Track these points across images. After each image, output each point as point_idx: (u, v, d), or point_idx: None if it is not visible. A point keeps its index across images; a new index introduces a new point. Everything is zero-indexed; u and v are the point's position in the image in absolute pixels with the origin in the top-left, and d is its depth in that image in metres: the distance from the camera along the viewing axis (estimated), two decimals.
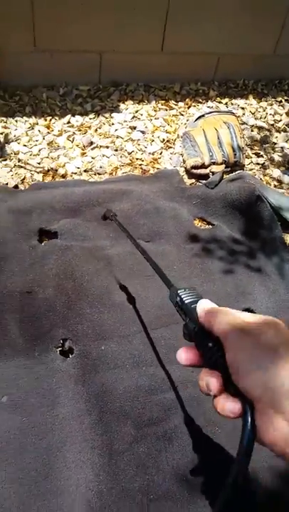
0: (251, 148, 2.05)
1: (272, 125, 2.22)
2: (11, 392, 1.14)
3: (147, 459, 1.07)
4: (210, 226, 1.68)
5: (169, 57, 2.17)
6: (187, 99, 2.22)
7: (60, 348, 1.24)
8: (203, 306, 0.52)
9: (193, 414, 1.16)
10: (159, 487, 1.04)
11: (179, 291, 0.56)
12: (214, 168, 1.84)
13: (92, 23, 1.93)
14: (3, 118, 1.94)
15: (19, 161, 1.81)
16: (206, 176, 1.85)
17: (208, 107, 2.22)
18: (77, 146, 1.91)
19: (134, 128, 2.02)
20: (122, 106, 2.12)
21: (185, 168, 1.88)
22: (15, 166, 1.79)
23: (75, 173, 1.81)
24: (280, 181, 1.94)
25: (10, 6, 1.79)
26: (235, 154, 1.88)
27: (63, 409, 1.10)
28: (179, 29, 2.07)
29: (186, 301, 0.54)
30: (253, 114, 2.26)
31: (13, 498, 0.98)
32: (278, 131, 2.20)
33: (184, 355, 0.52)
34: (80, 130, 1.97)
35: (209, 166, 1.85)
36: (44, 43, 1.95)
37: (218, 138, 1.88)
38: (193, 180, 1.87)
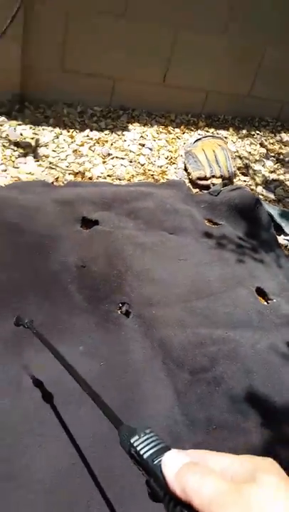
0: (238, 169, 2.39)
1: (250, 153, 2.59)
2: (86, 343, 1.26)
3: (204, 397, 1.25)
4: (217, 226, 1.94)
5: (169, 89, 2.49)
6: (182, 127, 2.53)
7: (119, 311, 1.39)
8: (171, 465, 0.33)
9: (234, 363, 1.36)
10: (217, 419, 1.21)
11: (132, 440, 0.38)
12: (214, 180, 2.14)
13: (111, 52, 2.18)
14: (31, 125, 2.09)
15: (50, 163, 1.96)
16: (207, 187, 2.13)
17: (199, 134, 2.54)
18: (98, 155, 2.10)
19: (143, 145, 2.27)
20: (130, 127, 2.36)
21: (190, 179, 2.15)
22: (47, 167, 1.94)
23: (100, 177, 2.00)
24: (262, 195, 2.27)
25: (47, 31, 1.99)
26: (228, 171, 2.19)
27: (134, 355, 1.25)
28: (179, 66, 2.40)
29: (144, 455, 0.36)
30: (234, 143, 2.61)
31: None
32: (255, 160, 2.57)
33: None
34: (98, 142, 2.17)
35: (210, 178, 2.14)
36: (70, 64, 2.17)
37: (216, 157, 2.19)
38: (197, 190, 2.14)
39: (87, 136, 2.18)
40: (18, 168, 1.87)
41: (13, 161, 1.89)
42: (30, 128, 2.08)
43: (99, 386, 1.11)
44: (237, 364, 1.36)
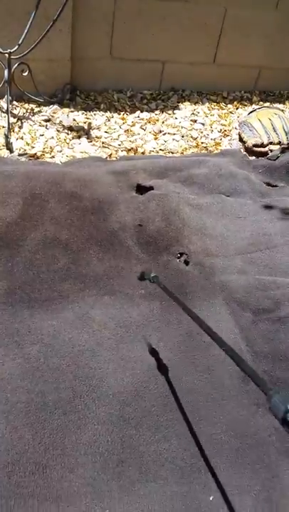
0: None
1: None
2: (147, 287, 1.43)
3: (269, 334, 1.36)
4: (277, 187, 2.06)
5: (219, 68, 2.69)
6: (235, 102, 2.70)
7: (178, 260, 1.55)
8: None
9: None
10: (283, 352, 1.31)
11: None
12: (271, 147, 2.27)
13: (158, 36, 2.44)
14: (83, 111, 2.38)
15: (103, 143, 2.22)
16: (265, 154, 2.26)
17: (253, 108, 2.69)
18: (149, 132, 2.33)
19: (195, 121, 2.47)
20: (181, 106, 2.58)
21: (245, 147, 2.30)
22: (100, 146, 2.19)
23: (152, 151, 2.21)
24: None
25: (95, 20, 2.29)
26: (287, 137, 2.31)
27: (195, 294, 1.40)
28: (230, 45, 2.60)
29: None
30: None
31: None
32: None
33: None
34: (149, 122, 2.41)
35: (267, 145, 2.27)
36: (118, 52, 2.45)
37: (272, 124, 2.33)
38: (254, 157, 2.28)
39: (138, 117, 2.43)
40: (72, 148, 2.14)
41: (68, 143, 2.16)
42: (83, 114, 2.37)
43: (163, 323, 1.29)
44: None
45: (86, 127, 2.28)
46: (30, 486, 0.98)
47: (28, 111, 2.28)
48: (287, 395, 0.44)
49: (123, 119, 2.39)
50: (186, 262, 1.56)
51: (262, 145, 2.27)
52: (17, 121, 2.19)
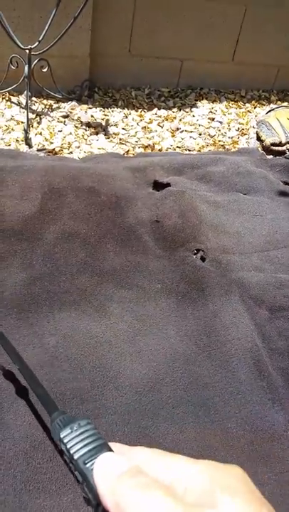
0: None
1: None
2: (163, 282, 1.46)
3: (285, 331, 1.37)
4: None
5: (238, 66, 2.71)
6: (253, 101, 2.72)
7: (194, 256, 1.58)
8: (104, 472, 0.30)
9: None
10: None
11: (62, 435, 0.35)
12: None
13: (178, 34, 2.47)
14: (101, 108, 2.41)
15: (120, 139, 2.25)
16: (282, 153, 2.27)
17: (271, 108, 2.71)
18: (167, 130, 2.36)
19: (213, 119, 2.49)
20: (198, 104, 2.61)
21: (263, 146, 2.32)
22: (117, 143, 2.23)
23: (170, 148, 2.24)
24: None
25: (115, 17, 2.33)
26: None
27: (212, 290, 1.42)
28: (248, 43, 2.62)
29: (75, 454, 0.33)
30: None
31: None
32: None
33: None
34: (167, 119, 2.44)
35: (285, 144, 2.28)
36: (137, 49, 2.48)
37: None
38: (271, 156, 2.29)
39: (156, 114, 2.46)
40: (90, 144, 2.17)
41: (86, 139, 2.20)
42: (100, 110, 2.40)
43: (180, 317, 1.31)
44: None
45: (104, 124, 2.31)
46: (48, 471, 1.01)
47: (47, 107, 2.32)
48: (67, 420, 0.37)
49: (140, 116, 2.42)
50: (203, 259, 1.59)
51: (280, 144, 2.28)
52: (36, 117, 2.23)
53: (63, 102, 2.36)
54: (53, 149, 2.07)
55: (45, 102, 2.35)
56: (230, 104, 2.66)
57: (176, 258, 1.57)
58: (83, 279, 1.44)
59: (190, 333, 1.33)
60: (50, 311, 1.30)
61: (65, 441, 0.35)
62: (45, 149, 2.05)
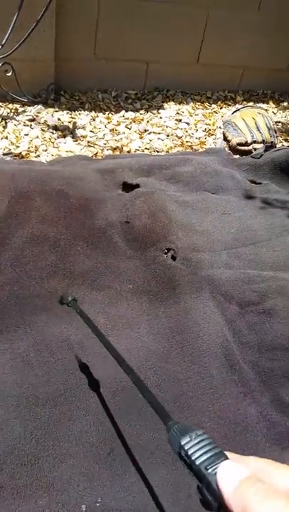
0: (281, 135, 2.57)
1: None
2: (135, 282, 1.47)
3: (255, 325, 1.40)
4: (261, 185, 2.12)
5: (203, 68, 2.75)
6: (219, 102, 2.77)
7: (165, 255, 1.59)
8: (229, 479, 0.33)
9: (285, 298, 1.50)
10: (269, 342, 1.36)
11: (183, 442, 0.39)
12: (255, 145, 2.33)
13: (143, 36, 2.50)
14: (68, 111, 2.41)
15: (88, 142, 2.25)
16: (249, 152, 2.32)
17: (237, 108, 2.76)
18: (135, 132, 2.38)
19: (180, 120, 2.53)
20: (165, 105, 2.64)
21: (230, 146, 2.36)
22: (85, 146, 2.23)
23: (138, 150, 2.26)
24: None
25: (79, 20, 2.34)
26: (270, 135, 2.38)
27: (182, 288, 1.44)
28: (213, 45, 2.67)
29: (196, 461, 0.37)
30: (275, 114, 2.81)
31: None
32: None
33: None
34: (134, 121, 2.45)
35: (251, 144, 2.33)
36: (102, 52, 2.49)
37: (256, 123, 2.39)
38: (238, 156, 2.34)
39: (123, 116, 2.47)
40: (57, 147, 2.17)
41: (53, 142, 2.19)
42: (67, 113, 2.40)
43: (152, 316, 1.32)
44: (288, 299, 1.50)
45: (71, 127, 2.31)
46: (22, 477, 1.00)
47: (12, 111, 2.30)
48: (185, 429, 0.41)
49: (108, 118, 2.43)
50: (174, 258, 1.61)
51: (246, 144, 2.33)
52: (1, 121, 2.21)
53: (29, 106, 2.35)
54: (20, 153, 2.05)
55: (10, 106, 2.33)
56: (197, 106, 2.69)
57: (147, 258, 1.58)
58: (53, 282, 1.43)
59: (162, 331, 1.34)
60: (20, 316, 1.29)
61: (186, 448, 0.39)
62: (11, 153, 2.03)
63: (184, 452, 0.39)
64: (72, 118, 2.37)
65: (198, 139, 2.43)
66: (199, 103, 2.73)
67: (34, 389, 1.14)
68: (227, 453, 0.38)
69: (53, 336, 1.26)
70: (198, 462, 0.37)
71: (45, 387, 1.15)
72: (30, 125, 2.24)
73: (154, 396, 0.58)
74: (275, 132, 2.42)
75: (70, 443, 1.07)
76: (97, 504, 0.98)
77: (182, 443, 0.39)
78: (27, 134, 2.18)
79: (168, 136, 2.41)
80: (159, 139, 2.36)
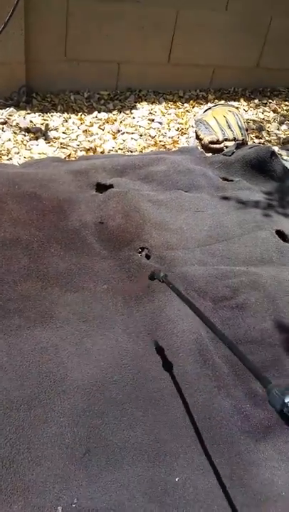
0: (252, 132, 2.60)
1: (263, 119, 2.80)
2: (110, 282, 1.47)
3: (228, 320, 1.42)
4: (233, 182, 2.14)
5: (174, 68, 2.76)
6: (191, 101, 2.78)
7: (139, 254, 1.60)
8: None
9: (257, 291, 1.52)
10: (243, 336, 1.38)
11: (286, 400, 0.44)
12: (227, 143, 2.35)
13: (113, 37, 2.49)
14: (40, 113, 2.40)
15: (61, 143, 2.24)
16: (220, 150, 2.34)
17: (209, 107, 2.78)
18: (108, 132, 2.37)
19: (153, 120, 2.53)
20: (138, 105, 2.64)
21: (202, 145, 2.38)
22: (58, 147, 2.22)
23: (112, 151, 2.25)
24: (279, 154, 2.46)
25: (48, 22, 2.32)
26: (241, 133, 2.40)
27: (157, 286, 1.45)
28: (183, 45, 2.67)
29: None
30: (246, 111, 2.84)
31: None
32: (269, 124, 2.77)
33: None
34: (107, 122, 2.45)
35: (222, 142, 2.35)
36: (73, 53, 2.48)
37: (227, 121, 2.41)
38: (210, 154, 2.35)
39: (96, 117, 2.47)
40: (30, 149, 2.15)
41: (25, 145, 2.18)
42: (39, 115, 2.38)
43: (126, 315, 1.33)
44: (259, 292, 1.52)
45: (43, 129, 2.30)
46: None
47: None
48: (285, 390, 0.49)
49: (81, 119, 2.42)
50: (148, 256, 1.61)
51: (217, 142, 2.35)
52: None
53: (1, 109, 2.33)
54: None
55: None
56: (169, 105, 2.71)
57: (122, 258, 1.58)
58: (27, 285, 1.42)
59: (137, 330, 1.34)
60: None
61: None
62: None
63: (286, 409, 0.46)
64: (45, 120, 2.36)
65: (171, 138, 2.44)
66: (171, 102, 2.74)
67: (8, 393, 1.13)
68: None
69: (27, 339, 1.25)
70: None
71: (19, 391, 1.14)
72: (2, 128, 2.22)
73: (254, 364, 0.66)
74: (246, 130, 2.44)
75: (46, 445, 1.06)
76: (73, 505, 0.97)
77: (286, 401, 0.46)
78: None
79: (141, 136, 2.41)
80: (132, 139, 2.37)
